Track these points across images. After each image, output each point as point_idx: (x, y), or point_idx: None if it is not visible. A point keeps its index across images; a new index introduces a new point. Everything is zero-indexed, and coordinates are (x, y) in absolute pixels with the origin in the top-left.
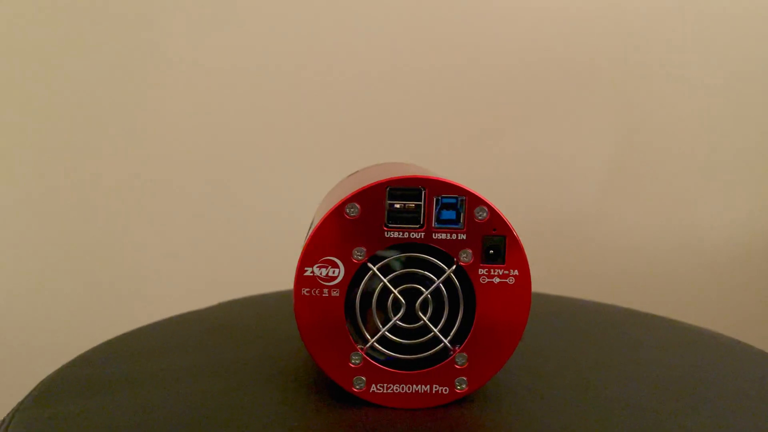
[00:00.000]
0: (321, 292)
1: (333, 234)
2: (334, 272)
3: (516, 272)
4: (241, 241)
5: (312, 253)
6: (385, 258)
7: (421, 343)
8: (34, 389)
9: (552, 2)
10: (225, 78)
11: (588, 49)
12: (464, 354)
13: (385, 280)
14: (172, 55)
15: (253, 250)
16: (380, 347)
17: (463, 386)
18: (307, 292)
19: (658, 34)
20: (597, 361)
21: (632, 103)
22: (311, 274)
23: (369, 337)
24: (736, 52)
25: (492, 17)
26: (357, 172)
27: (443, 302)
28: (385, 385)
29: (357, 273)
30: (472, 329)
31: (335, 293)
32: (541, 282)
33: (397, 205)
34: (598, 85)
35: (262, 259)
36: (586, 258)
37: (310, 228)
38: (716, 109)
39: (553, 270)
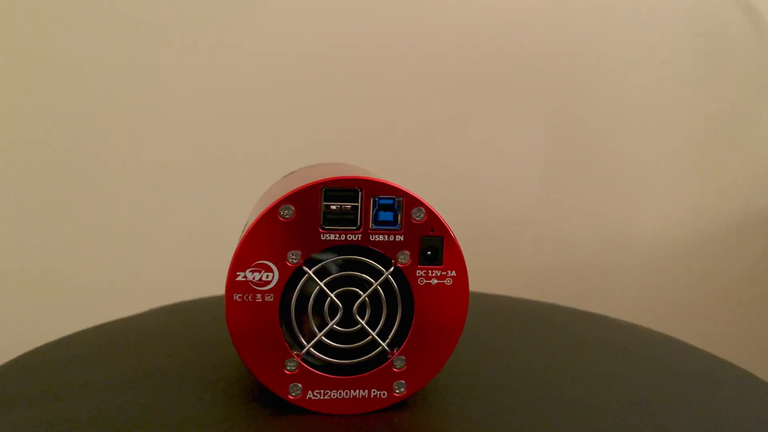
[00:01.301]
0: (254, 297)
1: (266, 237)
2: (267, 277)
3: (453, 273)
4: (172, 245)
5: (244, 257)
6: (321, 261)
7: (358, 347)
8: None
9: (485, 2)
10: (152, 79)
11: (523, 50)
12: (402, 357)
13: (321, 284)
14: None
15: (185, 254)
16: (317, 353)
17: (402, 390)
18: (239, 297)
19: (590, 35)
20: (536, 360)
21: (566, 103)
22: (243, 279)
23: (305, 343)
24: (669, 54)
25: (428, 16)
26: (293, 172)
27: (381, 305)
28: (322, 391)
29: (292, 277)
30: (410, 331)
31: (269, 298)
32: (479, 281)
33: (333, 207)
34: (533, 85)
35: (195, 263)
36: (523, 257)
37: (243, 231)
38: (648, 111)
39: (491, 269)
